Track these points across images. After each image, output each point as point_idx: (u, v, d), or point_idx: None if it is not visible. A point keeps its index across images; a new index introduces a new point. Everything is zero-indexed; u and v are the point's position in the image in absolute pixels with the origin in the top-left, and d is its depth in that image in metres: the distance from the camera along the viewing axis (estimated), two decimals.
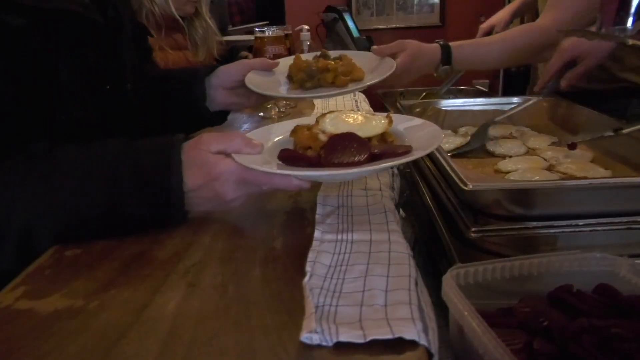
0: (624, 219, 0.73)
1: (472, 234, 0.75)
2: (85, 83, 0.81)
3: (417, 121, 0.78)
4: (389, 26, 3.12)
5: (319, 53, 1.07)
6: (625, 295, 0.57)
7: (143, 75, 1.04)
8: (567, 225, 0.73)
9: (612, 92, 1.44)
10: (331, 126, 0.70)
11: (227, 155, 0.67)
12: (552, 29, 1.23)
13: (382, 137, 0.71)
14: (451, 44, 1.29)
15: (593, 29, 0.95)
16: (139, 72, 1.01)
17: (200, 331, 0.48)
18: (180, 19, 1.79)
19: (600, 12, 1.00)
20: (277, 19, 2.98)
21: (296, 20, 2.02)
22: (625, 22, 0.97)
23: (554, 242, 0.74)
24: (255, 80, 0.97)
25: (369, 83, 0.98)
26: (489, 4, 2.99)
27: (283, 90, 1.00)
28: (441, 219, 0.86)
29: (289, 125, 0.79)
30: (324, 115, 0.73)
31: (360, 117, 0.71)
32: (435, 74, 1.32)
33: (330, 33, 2.04)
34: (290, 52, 1.48)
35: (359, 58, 1.03)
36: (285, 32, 1.49)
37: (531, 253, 0.62)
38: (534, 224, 0.74)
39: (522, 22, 2.01)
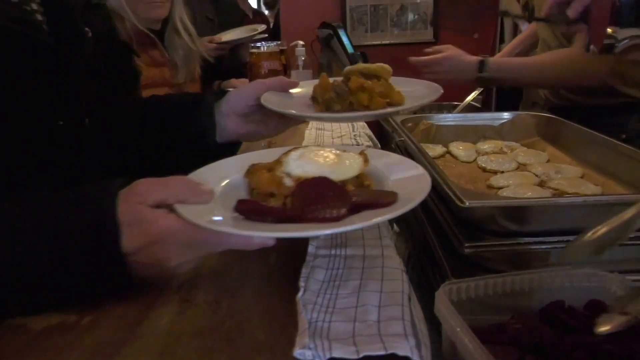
0: None
1: (466, 250, 0.75)
2: (28, 118, 0.68)
3: (394, 157, 0.70)
4: (383, 42, 3.15)
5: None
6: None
7: (121, 105, 0.89)
8: (559, 242, 0.74)
9: (613, 107, 1.46)
10: (297, 168, 0.58)
11: (169, 206, 0.54)
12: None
13: (358, 179, 0.61)
14: (489, 58, 1.48)
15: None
16: (110, 102, 0.87)
17: (193, 347, 0.48)
18: (149, 33, 1.68)
19: (588, 30, 1.02)
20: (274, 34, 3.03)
21: (291, 35, 2.04)
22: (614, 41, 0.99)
23: (546, 258, 0.75)
24: (273, 101, 0.83)
25: (412, 105, 0.83)
26: (481, 20, 3.03)
27: (307, 112, 0.85)
28: (435, 235, 0.86)
29: (242, 161, 0.67)
30: (287, 153, 0.61)
31: (331, 156, 0.60)
32: (478, 81, 1.51)
33: (325, 49, 2.06)
34: (285, 68, 1.50)
35: (397, 83, 0.87)
36: (281, 47, 1.51)
37: (524, 269, 0.63)
38: (527, 239, 0.75)
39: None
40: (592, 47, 1.02)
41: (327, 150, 0.62)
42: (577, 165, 1.02)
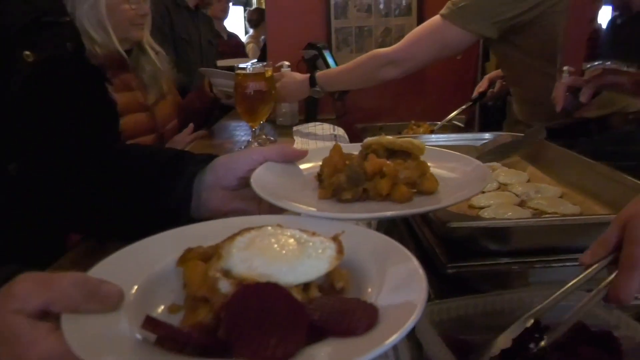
0: None
1: (449, 270, 0.76)
2: None
3: (381, 240, 0.53)
4: None
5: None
6: (594, 330, 0.59)
7: (80, 148, 0.73)
8: (538, 261, 0.75)
9: (560, 129, 1.50)
10: (242, 263, 0.41)
11: (56, 317, 0.39)
12: (392, 55, 1.55)
13: (328, 278, 0.45)
14: (317, 73, 1.72)
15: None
16: (66, 142, 0.73)
17: None
18: (126, 56, 1.61)
19: (562, 51, 1.05)
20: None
21: (278, 56, 2.06)
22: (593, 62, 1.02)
23: (527, 277, 0.76)
24: (266, 181, 0.66)
25: (449, 203, 0.64)
26: None
27: (307, 200, 0.64)
28: (417, 254, 0.87)
29: (185, 236, 0.49)
30: (232, 238, 0.44)
31: (292, 243, 0.44)
32: (312, 95, 1.72)
33: (310, 69, 2.08)
34: (269, 88, 1.51)
35: (435, 157, 0.69)
36: (267, 68, 1.52)
37: (506, 288, 0.64)
38: (508, 259, 0.76)
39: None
40: (566, 67, 1.05)
41: (289, 233, 0.46)
42: (557, 185, 1.04)
